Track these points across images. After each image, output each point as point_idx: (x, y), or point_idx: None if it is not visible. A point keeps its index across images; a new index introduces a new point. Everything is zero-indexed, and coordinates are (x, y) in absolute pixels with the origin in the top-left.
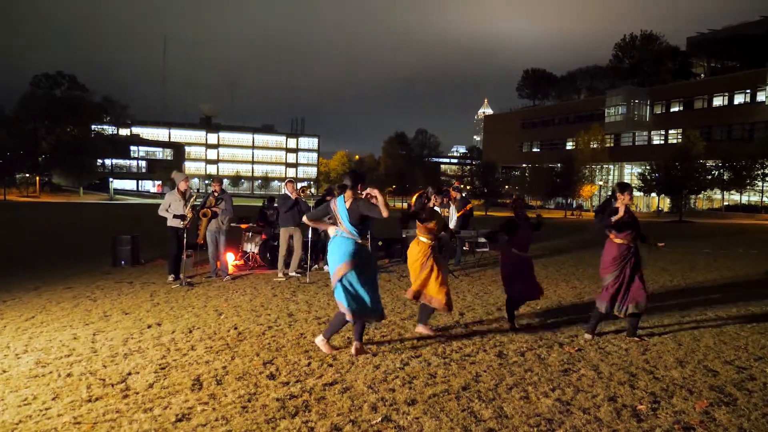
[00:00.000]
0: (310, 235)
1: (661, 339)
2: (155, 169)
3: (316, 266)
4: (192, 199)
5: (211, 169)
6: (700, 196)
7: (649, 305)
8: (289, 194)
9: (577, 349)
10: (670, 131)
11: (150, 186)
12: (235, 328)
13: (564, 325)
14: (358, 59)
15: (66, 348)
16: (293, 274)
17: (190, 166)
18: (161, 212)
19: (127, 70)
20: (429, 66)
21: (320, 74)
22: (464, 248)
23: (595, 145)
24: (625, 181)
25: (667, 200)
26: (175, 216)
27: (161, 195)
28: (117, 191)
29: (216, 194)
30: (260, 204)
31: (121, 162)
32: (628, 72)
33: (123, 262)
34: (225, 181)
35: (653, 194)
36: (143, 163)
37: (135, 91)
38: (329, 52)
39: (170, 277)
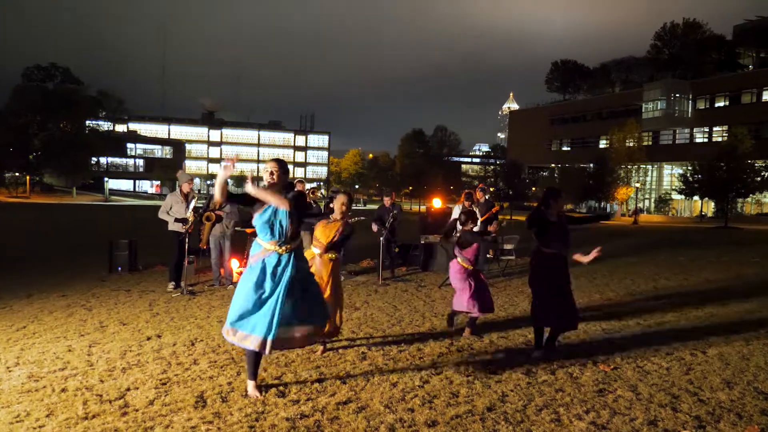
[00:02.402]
0: None
1: (705, 357)
2: (153, 168)
3: None
4: (194, 201)
5: (214, 168)
6: (748, 199)
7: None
8: None
9: (613, 368)
10: (715, 128)
11: (148, 186)
12: None
13: (598, 341)
14: (374, 50)
15: (60, 361)
16: None
17: (190, 165)
18: (161, 215)
19: (124, 62)
20: (450, 58)
21: (332, 66)
22: (488, 256)
23: (631, 144)
24: (664, 183)
25: (711, 204)
26: (176, 219)
27: (159, 196)
28: (112, 192)
29: None
30: None
31: (116, 160)
32: (668, 63)
33: (120, 269)
34: (229, 181)
35: (696, 197)
36: (140, 162)
37: (133, 85)
38: (342, 41)
39: (170, 285)
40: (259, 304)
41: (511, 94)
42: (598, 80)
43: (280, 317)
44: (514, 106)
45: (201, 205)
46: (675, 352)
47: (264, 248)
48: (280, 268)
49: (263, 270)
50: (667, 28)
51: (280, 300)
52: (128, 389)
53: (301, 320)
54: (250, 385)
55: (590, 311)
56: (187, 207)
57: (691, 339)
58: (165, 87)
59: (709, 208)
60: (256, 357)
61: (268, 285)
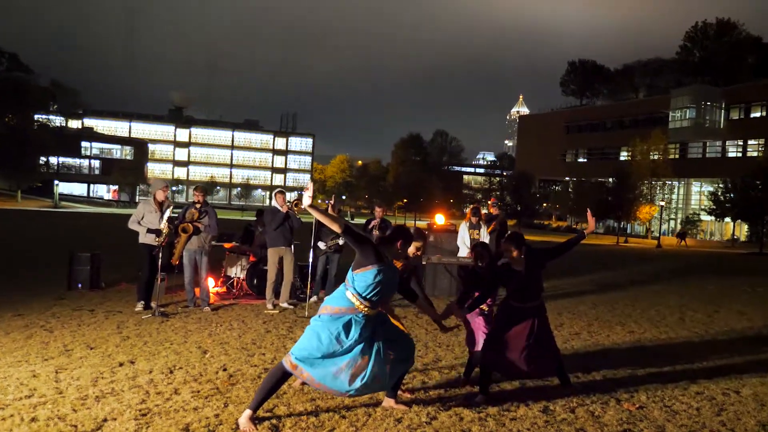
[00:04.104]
0: (311, 259)
1: (738, 397)
2: (111, 171)
3: (316, 297)
4: (170, 211)
5: (180, 173)
6: None
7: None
8: (279, 207)
9: (638, 407)
10: (750, 141)
11: (104, 191)
12: (225, 370)
13: (621, 378)
14: (366, 46)
15: (25, 387)
16: (285, 305)
17: (154, 168)
18: (132, 225)
19: (84, 49)
20: (452, 55)
21: (318, 62)
22: None
23: (655, 157)
24: (692, 201)
25: (745, 227)
26: (149, 231)
27: (116, 203)
28: (63, 197)
29: (198, 206)
30: (250, 218)
31: (69, 161)
32: (699, 67)
33: (80, 286)
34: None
35: (727, 219)
36: (96, 163)
37: (92, 75)
38: (330, 35)
39: (139, 305)
40: (330, 357)
41: (521, 97)
42: (620, 84)
43: (366, 378)
44: (524, 111)
45: (176, 215)
46: (705, 391)
47: (355, 306)
48: (365, 329)
49: (347, 327)
50: (699, 28)
51: (370, 361)
52: (105, 420)
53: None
54: (247, 415)
55: (612, 344)
56: (162, 217)
57: (723, 377)
58: (130, 78)
59: (742, 231)
60: (275, 386)
61: (347, 343)
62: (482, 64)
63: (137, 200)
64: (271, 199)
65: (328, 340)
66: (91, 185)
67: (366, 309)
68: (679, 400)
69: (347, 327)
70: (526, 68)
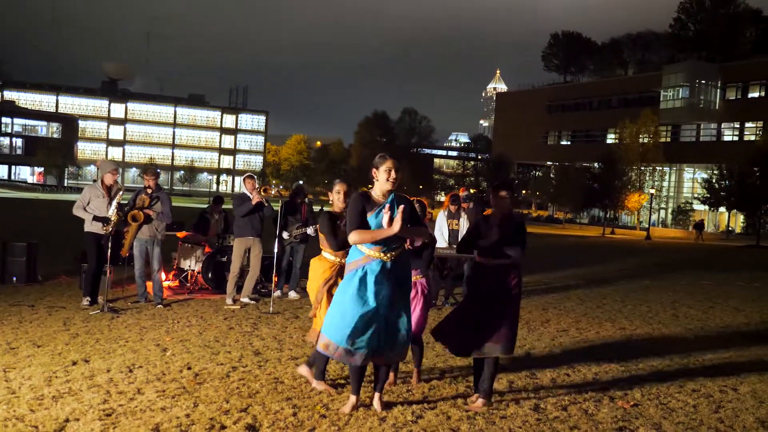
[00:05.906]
0: (275, 250)
1: (737, 395)
2: (35, 151)
3: (279, 292)
4: (120, 197)
5: (115, 153)
6: None
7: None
8: (248, 193)
9: (633, 404)
10: (747, 124)
11: (27, 174)
12: (189, 368)
13: (614, 375)
14: (328, 13)
15: None
16: (246, 300)
17: (84, 148)
18: (76, 211)
19: (3, 12)
20: (422, 25)
21: (273, 30)
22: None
23: (645, 140)
24: (684, 189)
25: (741, 217)
26: (95, 218)
27: (42, 187)
28: None
29: (150, 191)
30: (204, 205)
31: None
32: (694, 41)
33: (15, 279)
34: (132, 170)
35: (722, 209)
36: (18, 142)
37: (13, 42)
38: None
39: (85, 301)
40: (366, 320)
41: (498, 73)
42: (608, 59)
43: (384, 335)
44: (502, 88)
45: (126, 202)
46: (702, 388)
47: (366, 254)
48: (383, 277)
49: (364, 279)
50: None
51: (382, 314)
52: (67, 420)
53: (392, 341)
54: (352, 402)
55: (602, 341)
56: (110, 203)
57: (720, 374)
58: (58, 46)
59: (738, 222)
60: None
61: (370, 297)
62: (455, 35)
63: (65, 184)
64: (218, 183)
65: (354, 300)
66: (13, 167)
67: (380, 254)
68: (675, 397)
69: (364, 279)
70: (504, 40)
